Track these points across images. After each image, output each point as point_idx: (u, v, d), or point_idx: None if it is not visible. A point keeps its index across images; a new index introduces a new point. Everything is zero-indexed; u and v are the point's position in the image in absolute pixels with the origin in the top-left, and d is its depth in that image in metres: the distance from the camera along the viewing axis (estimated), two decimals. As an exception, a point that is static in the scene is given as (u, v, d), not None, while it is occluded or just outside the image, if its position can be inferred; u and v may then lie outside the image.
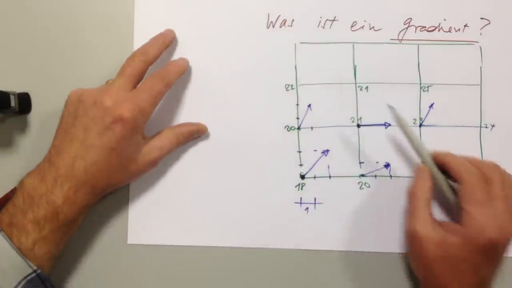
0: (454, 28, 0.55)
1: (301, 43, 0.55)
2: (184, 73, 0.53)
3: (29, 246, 0.45)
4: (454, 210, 0.50)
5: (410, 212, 0.49)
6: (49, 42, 0.55)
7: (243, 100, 0.55)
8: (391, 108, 0.51)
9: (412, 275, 0.53)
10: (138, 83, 0.51)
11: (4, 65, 0.55)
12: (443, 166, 0.50)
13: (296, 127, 0.55)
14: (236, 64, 0.55)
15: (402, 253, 0.53)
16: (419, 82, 0.54)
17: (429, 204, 0.49)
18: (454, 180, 0.49)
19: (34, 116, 0.55)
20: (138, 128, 0.49)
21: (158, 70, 0.52)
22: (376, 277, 0.53)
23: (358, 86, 0.55)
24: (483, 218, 0.46)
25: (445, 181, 0.50)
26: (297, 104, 0.55)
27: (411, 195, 0.50)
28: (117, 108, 0.48)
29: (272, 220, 0.54)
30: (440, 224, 0.48)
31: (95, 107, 0.48)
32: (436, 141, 0.54)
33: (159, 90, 0.50)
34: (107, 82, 0.53)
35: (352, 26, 0.55)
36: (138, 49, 0.52)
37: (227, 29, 0.55)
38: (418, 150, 0.50)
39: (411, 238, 0.48)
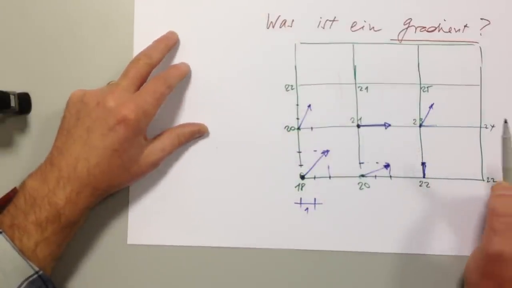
0: (454, 28, 0.55)
1: (301, 43, 0.55)
2: (185, 77, 0.54)
3: (31, 248, 0.45)
4: None
5: (498, 231, 0.47)
6: (49, 42, 0.55)
7: (243, 100, 0.55)
8: (504, 123, 0.51)
9: (411, 275, 0.53)
10: (141, 85, 0.51)
11: (4, 65, 0.55)
12: None
13: (296, 127, 0.55)
14: (236, 64, 0.55)
15: (401, 254, 0.53)
16: (419, 83, 0.54)
17: None
18: None
19: (34, 116, 0.55)
20: (141, 129, 0.49)
21: (160, 73, 0.52)
22: (376, 277, 0.53)
23: (358, 87, 0.55)
24: None
25: None
26: (297, 104, 0.55)
27: (500, 214, 0.48)
28: (121, 109, 0.48)
29: (272, 220, 0.54)
30: None
31: (98, 108, 0.48)
32: (436, 142, 0.54)
33: (161, 92, 0.50)
34: (109, 83, 0.53)
35: (352, 27, 0.55)
36: (142, 52, 0.52)
37: (227, 29, 0.55)
38: (508, 170, 0.51)
39: (496, 258, 0.46)
